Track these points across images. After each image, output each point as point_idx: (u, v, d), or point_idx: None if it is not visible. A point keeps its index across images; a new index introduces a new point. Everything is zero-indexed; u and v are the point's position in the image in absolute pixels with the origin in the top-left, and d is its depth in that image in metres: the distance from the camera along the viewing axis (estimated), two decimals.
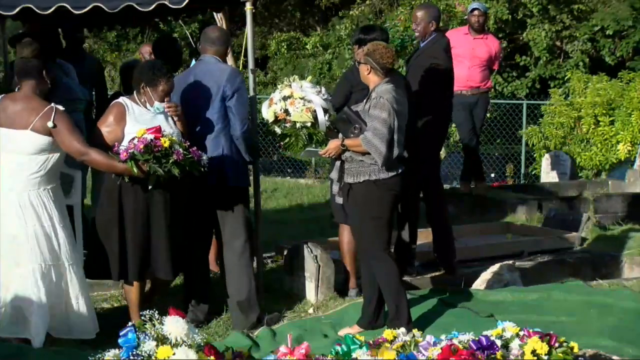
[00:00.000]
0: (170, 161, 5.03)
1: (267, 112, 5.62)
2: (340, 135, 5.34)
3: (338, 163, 5.39)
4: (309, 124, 5.53)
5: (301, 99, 5.52)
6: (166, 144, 5.03)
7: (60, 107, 5.08)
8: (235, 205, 5.71)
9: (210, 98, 5.58)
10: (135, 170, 5.02)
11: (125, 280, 5.38)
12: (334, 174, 5.48)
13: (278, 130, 5.65)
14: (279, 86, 5.74)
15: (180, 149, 5.09)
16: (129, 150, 5.02)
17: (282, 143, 5.87)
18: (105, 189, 5.35)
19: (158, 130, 5.11)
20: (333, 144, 5.33)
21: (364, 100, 5.35)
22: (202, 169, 5.22)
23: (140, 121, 5.25)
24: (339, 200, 5.45)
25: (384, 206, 5.25)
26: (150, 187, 5.18)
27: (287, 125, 5.57)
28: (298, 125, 5.54)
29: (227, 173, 5.60)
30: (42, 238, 5.06)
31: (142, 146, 4.99)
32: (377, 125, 5.10)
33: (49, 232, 5.09)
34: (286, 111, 5.53)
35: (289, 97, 5.56)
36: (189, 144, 5.21)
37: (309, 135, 5.59)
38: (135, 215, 5.26)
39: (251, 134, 5.80)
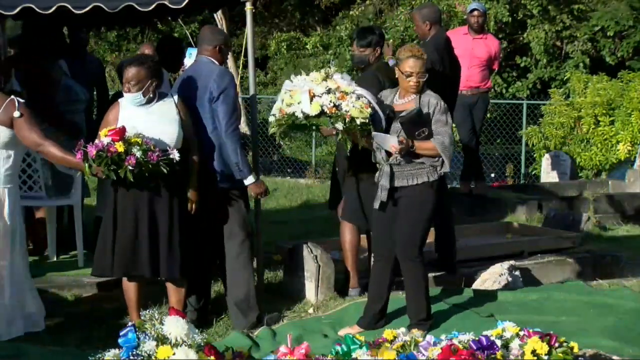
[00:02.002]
0: (123, 166, 4.92)
1: (310, 106, 5.13)
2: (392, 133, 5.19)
3: (387, 169, 5.21)
4: (367, 121, 5.18)
5: (352, 93, 5.19)
6: (121, 149, 4.89)
7: (21, 100, 5.04)
8: (231, 206, 5.69)
9: (200, 99, 5.52)
10: (87, 172, 4.98)
11: (102, 275, 5.46)
12: (385, 181, 5.23)
13: (340, 126, 5.13)
14: (310, 76, 5.25)
15: (137, 154, 4.91)
16: (84, 152, 4.95)
17: (337, 139, 5.46)
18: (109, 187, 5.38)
19: (118, 132, 4.97)
20: (405, 144, 5.11)
21: (400, 100, 5.29)
22: (170, 168, 5.04)
23: (129, 118, 5.19)
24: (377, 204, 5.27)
25: (434, 207, 5.28)
26: (131, 187, 5.13)
27: (346, 119, 5.12)
28: (359, 121, 5.14)
29: (219, 174, 5.56)
30: (8, 234, 5.06)
31: (94, 151, 4.90)
32: (449, 130, 5.16)
33: (17, 229, 5.11)
34: (336, 106, 5.14)
35: (335, 90, 5.17)
36: (153, 145, 5.01)
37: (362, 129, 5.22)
38: (123, 213, 5.24)
39: (239, 137, 5.61)
